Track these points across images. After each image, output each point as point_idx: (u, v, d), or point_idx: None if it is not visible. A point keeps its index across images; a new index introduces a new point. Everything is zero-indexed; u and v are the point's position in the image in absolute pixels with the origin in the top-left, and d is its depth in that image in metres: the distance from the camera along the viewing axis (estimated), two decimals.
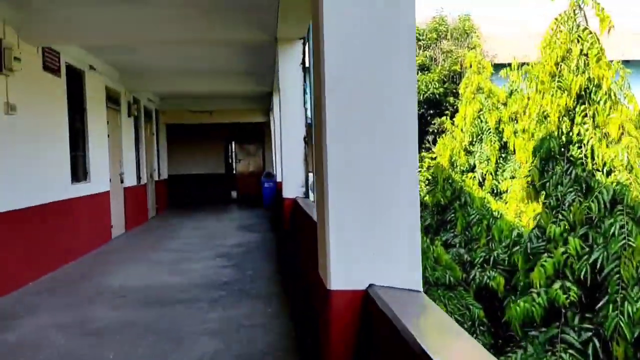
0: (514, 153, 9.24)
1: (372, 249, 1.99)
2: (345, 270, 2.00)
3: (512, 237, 6.90)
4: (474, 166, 9.63)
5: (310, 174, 7.36)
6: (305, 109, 7.19)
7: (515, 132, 9.20)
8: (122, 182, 11.41)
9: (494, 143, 9.46)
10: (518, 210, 8.68)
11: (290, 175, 7.22)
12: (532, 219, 7.57)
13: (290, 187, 7.23)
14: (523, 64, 9.02)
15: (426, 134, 14.68)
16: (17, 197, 6.66)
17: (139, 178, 13.07)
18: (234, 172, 21.41)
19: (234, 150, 21.57)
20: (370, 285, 1.99)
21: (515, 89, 9.70)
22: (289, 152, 7.24)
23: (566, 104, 5.28)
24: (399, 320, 1.74)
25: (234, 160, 21.59)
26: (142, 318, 5.29)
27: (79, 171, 9.00)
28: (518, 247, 6.42)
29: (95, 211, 9.62)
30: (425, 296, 1.96)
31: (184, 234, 11.30)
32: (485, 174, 9.43)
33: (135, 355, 4.39)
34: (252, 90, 13.26)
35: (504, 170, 9.39)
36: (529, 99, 9.19)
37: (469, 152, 9.79)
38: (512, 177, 9.12)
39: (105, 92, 10.53)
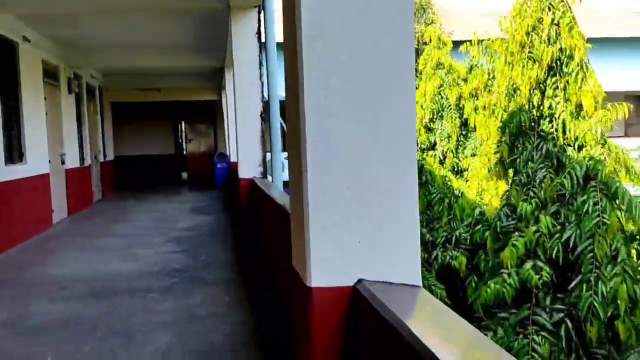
0: (475, 130, 9.07)
1: (361, 238, 1.64)
2: (328, 263, 1.64)
3: (475, 215, 6.72)
4: (435, 144, 9.43)
5: (268, 153, 6.94)
6: (262, 83, 6.74)
7: (475, 109, 9.02)
8: (63, 163, 10.67)
9: (455, 120, 9.26)
10: (480, 189, 8.54)
11: (246, 154, 6.78)
12: (494, 196, 7.41)
13: (247, 166, 6.79)
14: (482, 40, 8.81)
15: None
16: None
17: (82, 159, 12.29)
18: (185, 152, 20.66)
19: (184, 130, 20.79)
20: (360, 281, 1.64)
21: (476, 64, 9.50)
22: (245, 130, 6.80)
23: (537, 76, 5.05)
24: (399, 321, 1.41)
25: (184, 141, 20.82)
26: (87, 312, 4.81)
27: (13, 152, 8.27)
28: (480, 226, 6.23)
29: (34, 195, 8.92)
30: (426, 292, 1.63)
31: (133, 218, 10.69)
32: (446, 152, 9.24)
33: (80, 355, 3.93)
34: (203, 66, 12.65)
35: (464, 148, 9.22)
36: (490, 74, 9.01)
37: (429, 130, 9.57)
38: (473, 155, 8.96)
39: (42, 67, 9.73)
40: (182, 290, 5.35)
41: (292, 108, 1.83)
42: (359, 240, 1.64)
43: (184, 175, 20.75)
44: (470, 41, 8.61)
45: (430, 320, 1.54)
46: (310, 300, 1.64)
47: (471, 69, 9.63)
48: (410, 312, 1.57)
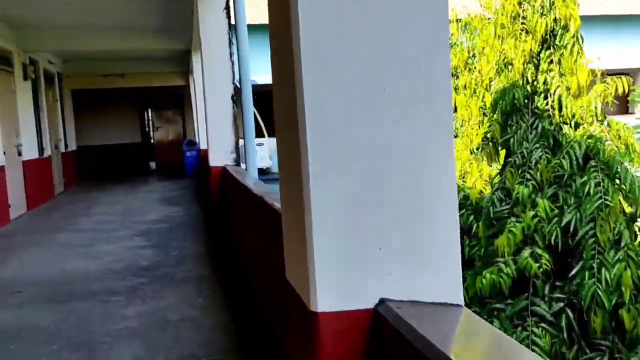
0: (456, 111, 8.72)
1: (382, 244, 1.22)
2: (339, 280, 1.21)
3: (459, 199, 6.39)
4: None
5: (241, 140, 6.46)
6: (232, 63, 6.23)
7: (456, 89, 8.65)
8: (19, 154, 9.96)
9: None
10: (463, 171, 8.22)
11: (217, 141, 6.29)
12: (479, 179, 7.08)
13: (218, 154, 6.31)
14: (460, 19, 8.46)
15: None
16: None
17: (41, 150, 11.57)
18: (152, 141, 19.91)
19: (150, 117, 20.01)
20: (382, 302, 1.22)
21: (455, 42, 9.12)
22: (216, 115, 6.29)
23: (530, 49, 4.69)
24: (438, 352, 1.00)
25: (151, 129, 20.05)
26: (43, 319, 4.30)
27: None
28: (464, 210, 5.90)
29: None
30: (471, 313, 1.22)
31: (97, 211, 10.08)
32: None
33: None
34: (169, 49, 12.00)
35: None
36: (469, 52, 8.65)
37: None
38: (455, 137, 8.60)
39: None
40: (151, 291, 4.87)
41: (285, 88, 1.40)
42: (379, 247, 1.22)
43: (152, 164, 20.02)
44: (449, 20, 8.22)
45: (479, 351, 1.14)
46: (316, 329, 1.21)
47: (450, 47, 9.24)
48: (451, 341, 1.16)
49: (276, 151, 1.63)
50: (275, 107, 1.58)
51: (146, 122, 19.95)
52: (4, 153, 9.09)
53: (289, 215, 1.45)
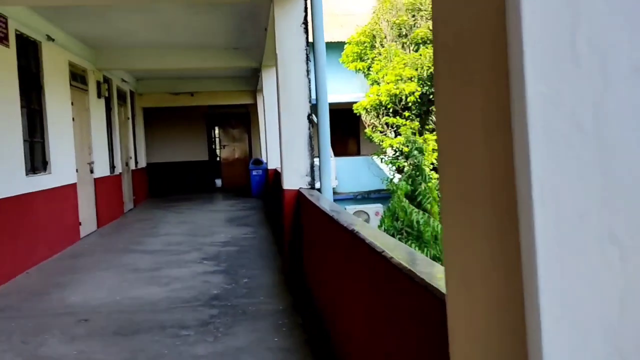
0: None
1: None
2: None
3: None
4: None
5: (317, 159, 6.04)
6: (309, 80, 5.84)
7: None
8: (92, 172, 9.98)
9: None
10: None
11: (291, 162, 5.89)
12: None
13: (292, 176, 5.90)
14: None
15: (430, 114, 13.41)
16: None
17: (112, 167, 11.62)
18: (218, 159, 19.96)
19: (217, 135, 20.08)
20: None
21: None
22: (290, 134, 5.90)
23: None
24: None
25: (217, 147, 20.12)
26: (109, 355, 3.97)
27: (36, 161, 7.57)
28: None
29: (59, 207, 8.21)
30: None
31: (165, 230, 9.93)
32: None
33: None
34: (239, 67, 11.86)
35: None
36: None
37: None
38: None
39: (68, 69, 9.06)
40: (223, 326, 4.47)
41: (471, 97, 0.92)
42: None
43: (218, 182, 20.06)
44: None
45: None
46: None
47: None
48: None
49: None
50: (441, 124, 1.10)
51: (212, 140, 20.03)
52: (77, 170, 9.08)
53: (465, 299, 0.94)
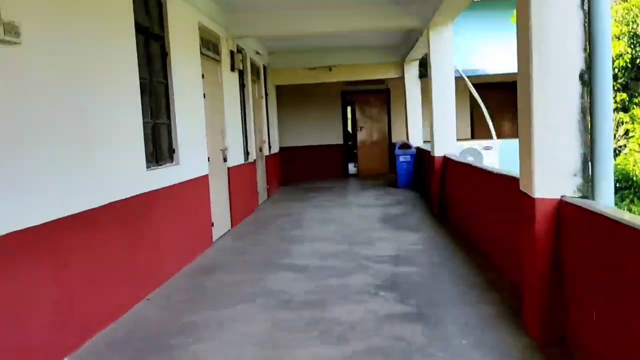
0: None
1: None
2: None
3: None
4: None
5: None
6: (583, 13, 3.44)
7: None
8: (225, 160, 8.28)
9: None
10: None
11: (550, 148, 3.54)
12: None
13: (544, 173, 3.57)
14: None
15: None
16: (44, 203, 3.56)
17: (246, 154, 9.92)
18: (353, 142, 17.91)
19: (352, 116, 17.98)
20: None
21: None
22: (550, 104, 3.55)
23: None
24: None
25: (353, 128, 18.04)
26: None
27: (159, 150, 5.88)
28: None
29: (188, 206, 6.52)
30: None
31: (310, 233, 8.00)
32: None
33: None
34: (399, 28, 9.59)
35: None
36: None
37: None
38: None
39: (198, 33, 7.34)
40: None
41: None
42: None
43: (352, 168, 18.07)
44: None
45: None
46: None
47: None
48: None
49: None
50: None
51: (346, 121, 17.96)
52: (209, 159, 7.38)
53: None
